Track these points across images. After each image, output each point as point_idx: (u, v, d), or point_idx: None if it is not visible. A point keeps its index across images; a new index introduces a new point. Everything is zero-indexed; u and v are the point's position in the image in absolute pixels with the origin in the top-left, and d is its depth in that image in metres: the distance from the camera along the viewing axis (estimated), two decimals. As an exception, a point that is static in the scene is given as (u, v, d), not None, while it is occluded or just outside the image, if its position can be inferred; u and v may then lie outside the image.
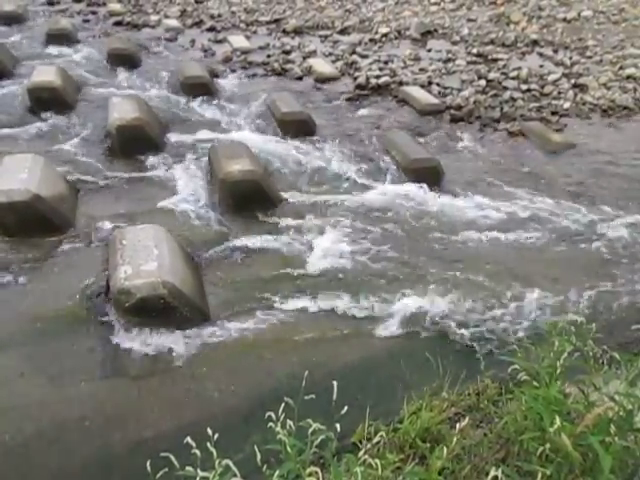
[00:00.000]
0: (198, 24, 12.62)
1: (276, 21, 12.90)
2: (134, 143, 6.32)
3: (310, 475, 1.92)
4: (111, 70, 9.26)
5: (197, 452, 1.94)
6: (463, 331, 3.96)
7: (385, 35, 11.69)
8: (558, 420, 2.04)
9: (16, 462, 3.03)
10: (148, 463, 2.05)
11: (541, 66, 9.73)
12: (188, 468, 1.91)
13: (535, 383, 2.41)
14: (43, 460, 3.05)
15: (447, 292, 4.31)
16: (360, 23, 12.70)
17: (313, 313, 4.10)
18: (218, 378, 3.55)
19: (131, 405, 3.37)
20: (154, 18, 12.86)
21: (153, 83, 8.78)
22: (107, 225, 4.97)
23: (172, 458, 1.94)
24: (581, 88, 8.70)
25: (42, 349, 3.74)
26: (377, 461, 2.04)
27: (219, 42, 11.27)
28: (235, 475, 1.88)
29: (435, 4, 14.41)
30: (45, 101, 7.30)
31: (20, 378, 3.52)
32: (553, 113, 7.88)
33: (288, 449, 2.01)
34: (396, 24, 12.48)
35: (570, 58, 10.12)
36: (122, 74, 9.10)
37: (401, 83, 8.86)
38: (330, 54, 10.50)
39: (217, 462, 1.90)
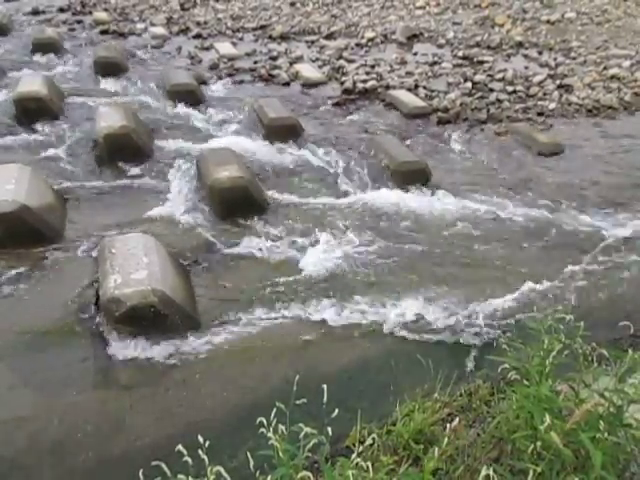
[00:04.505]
0: (184, 31, 12.63)
1: (262, 27, 12.94)
2: (122, 151, 6.30)
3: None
4: (98, 79, 9.24)
5: (189, 460, 1.93)
6: (454, 332, 3.97)
7: (371, 39, 11.76)
8: (548, 418, 2.06)
9: (7, 475, 3.00)
10: (141, 472, 2.04)
11: (526, 68, 9.82)
12: (180, 476, 1.90)
13: (526, 382, 2.43)
14: (35, 472, 3.02)
15: (437, 294, 4.33)
16: (346, 28, 12.77)
17: (304, 318, 4.10)
18: (210, 385, 3.54)
19: (123, 414, 3.35)
20: (140, 26, 12.85)
21: (140, 91, 8.77)
22: (96, 234, 4.95)
23: (164, 467, 1.93)
24: (566, 89, 8.79)
25: (32, 360, 3.70)
26: (370, 464, 2.04)
27: (206, 49, 11.29)
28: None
29: (420, 8, 14.52)
30: (31, 111, 7.27)
31: (10, 390, 3.49)
32: (539, 114, 7.95)
33: (280, 454, 2.00)
34: (382, 28, 12.56)
35: (555, 59, 10.23)
36: (109, 82, 9.08)
37: (388, 87, 8.91)
38: (317, 59, 10.55)
39: (209, 469, 1.89)
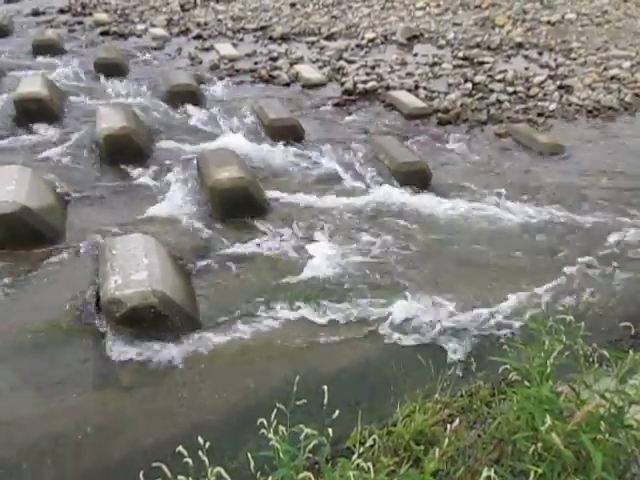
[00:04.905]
0: (185, 32, 12.64)
1: (263, 28, 12.94)
2: (122, 152, 6.30)
3: (303, 480, 1.91)
4: (98, 80, 9.25)
5: (189, 461, 1.93)
6: (454, 333, 3.97)
7: (371, 40, 11.76)
8: (549, 419, 2.05)
9: (8, 476, 3.00)
10: (141, 474, 2.04)
11: (526, 68, 9.82)
12: (181, 477, 1.90)
13: (526, 383, 2.43)
14: (35, 474, 3.02)
15: (437, 295, 4.32)
16: (346, 29, 12.77)
17: (304, 319, 4.10)
18: (210, 386, 3.54)
19: (124, 416, 3.35)
20: (140, 27, 12.86)
21: (140, 92, 8.77)
22: (97, 235, 4.95)
23: (164, 468, 1.93)
24: (566, 89, 8.79)
25: (33, 361, 3.71)
26: (371, 465, 2.04)
27: (206, 50, 11.29)
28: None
29: (421, 9, 14.52)
30: (32, 112, 7.27)
31: (11, 391, 3.49)
32: (539, 114, 7.95)
33: (281, 455, 2.00)
34: (382, 29, 12.56)
35: (555, 60, 10.23)
36: (109, 84, 9.09)
37: (388, 88, 8.92)
38: (317, 60, 10.55)
39: (210, 470, 1.89)
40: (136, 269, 4.03)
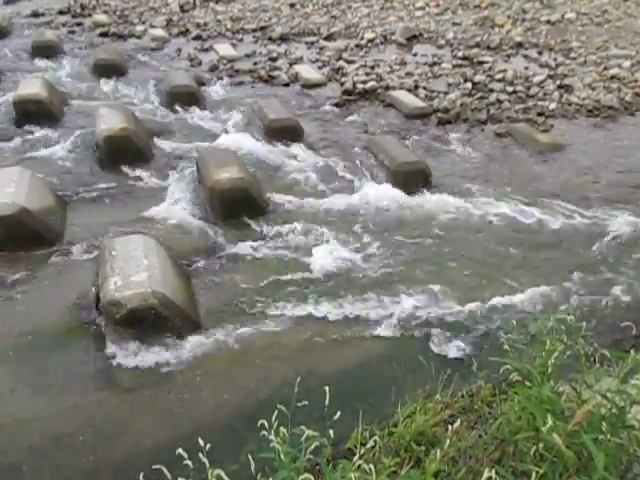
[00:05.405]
0: (184, 33, 12.63)
1: (262, 28, 12.94)
2: (122, 153, 6.30)
3: (304, 482, 1.90)
4: (98, 81, 9.24)
5: (189, 463, 1.92)
6: (455, 333, 3.96)
7: (371, 40, 11.75)
8: (550, 419, 2.05)
9: (9, 477, 2.99)
10: (141, 476, 2.03)
11: (526, 68, 9.82)
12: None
13: (528, 383, 2.42)
14: (35, 475, 3.01)
15: (438, 294, 4.32)
16: (346, 29, 12.76)
17: (304, 319, 4.09)
18: (211, 387, 3.53)
19: (124, 417, 3.34)
20: (140, 28, 12.85)
21: (140, 93, 8.78)
22: (97, 236, 4.94)
23: (164, 470, 1.92)
24: (566, 89, 8.78)
25: (33, 363, 3.70)
26: (372, 466, 2.03)
27: (205, 51, 11.29)
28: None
29: (420, 9, 14.51)
30: (31, 114, 7.27)
31: (11, 393, 3.49)
32: (539, 114, 7.94)
33: (282, 457, 1.99)
34: (382, 29, 12.55)
35: (555, 59, 10.22)
36: (109, 85, 9.09)
37: (388, 87, 8.91)
38: (316, 60, 10.55)
39: (210, 472, 1.88)
40: (136, 270, 4.02)
